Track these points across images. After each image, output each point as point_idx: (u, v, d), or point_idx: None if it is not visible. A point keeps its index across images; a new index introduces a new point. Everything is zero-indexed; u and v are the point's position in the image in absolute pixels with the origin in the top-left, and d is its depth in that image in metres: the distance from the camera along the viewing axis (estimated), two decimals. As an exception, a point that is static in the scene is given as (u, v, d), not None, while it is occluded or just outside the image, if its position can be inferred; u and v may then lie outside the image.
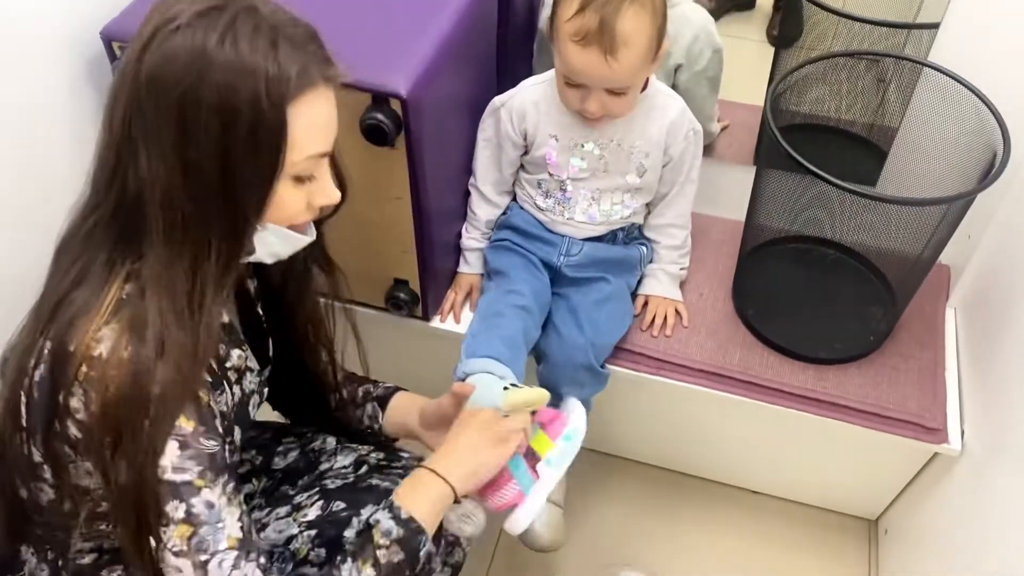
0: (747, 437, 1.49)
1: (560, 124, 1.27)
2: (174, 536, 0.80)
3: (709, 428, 1.50)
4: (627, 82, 1.17)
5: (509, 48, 1.40)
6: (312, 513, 1.05)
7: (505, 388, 1.08)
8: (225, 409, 0.89)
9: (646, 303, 1.38)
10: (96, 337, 0.76)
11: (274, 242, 0.86)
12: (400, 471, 1.12)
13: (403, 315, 1.37)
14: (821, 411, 1.30)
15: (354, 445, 1.16)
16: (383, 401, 1.15)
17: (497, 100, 1.31)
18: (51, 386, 0.78)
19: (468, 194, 1.38)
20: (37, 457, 0.83)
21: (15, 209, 1.15)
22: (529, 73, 1.41)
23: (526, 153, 1.32)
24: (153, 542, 0.80)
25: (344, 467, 1.13)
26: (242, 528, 0.84)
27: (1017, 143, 1.11)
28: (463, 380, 1.17)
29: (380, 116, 1.06)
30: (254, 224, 0.81)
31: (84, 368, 0.76)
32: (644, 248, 1.39)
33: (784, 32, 1.68)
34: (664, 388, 1.34)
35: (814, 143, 1.28)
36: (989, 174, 1.10)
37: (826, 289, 1.42)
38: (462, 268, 1.41)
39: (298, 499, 1.08)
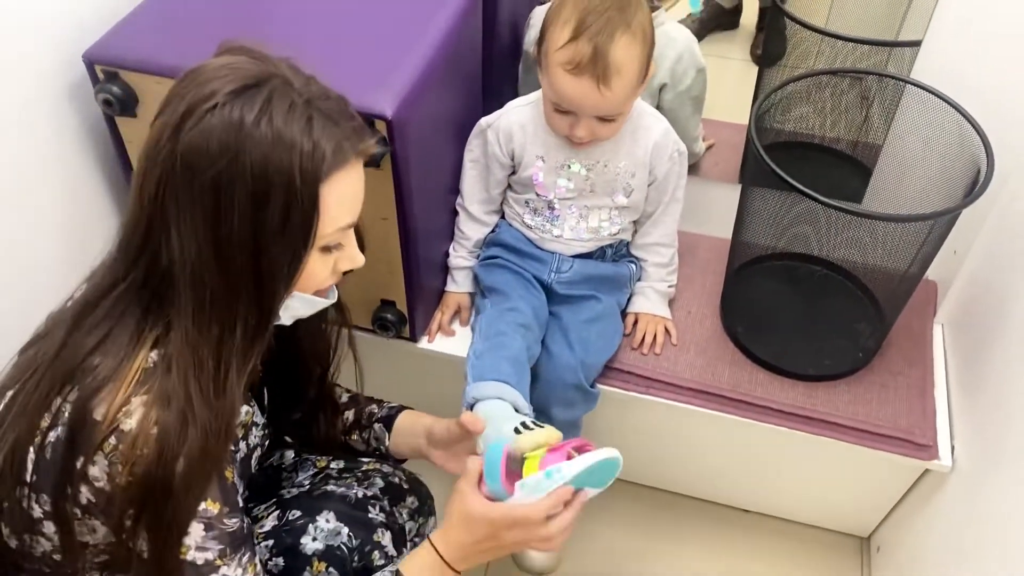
0: (737, 455, 1.48)
1: (546, 145, 1.27)
2: None
3: (699, 447, 1.50)
4: (619, 109, 1.17)
5: (494, 69, 1.40)
6: (268, 524, 1.05)
7: (516, 430, 1.02)
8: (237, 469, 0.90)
9: (635, 321, 1.38)
10: (125, 410, 0.76)
11: (298, 307, 0.88)
12: (358, 475, 1.12)
13: (390, 336, 1.36)
14: (811, 428, 1.30)
15: (313, 457, 1.16)
16: (388, 422, 1.14)
17: (484, 121, 1.31)
18: (68, 450, 0.77)
19: (455, 214, 1.38)
20: (38, 513, 0.82)
21: (-4, 233, 1.14)
22: (515, 94, 1.42)
23: (513, 173, 1.32)
24: None
25: (303, 480, 1.13)
26: None
27: (1000, 158, 1.11)
28: (472, 406, 1.15)
29: (365, 137, 1.06)
30: (283, 297, 0.82)
31: (112, 440, 0.76)
32: (633, 266, 1.39)
33: (768, 51, 1.69)
34: (653, 407, 1.34)
35: (799, 161, 1.29)
36: (973, 190, 1.10)
37: (814, 306, 1.42)
38: (449, 287, 1.40)
39: (255, 512, 1.08)
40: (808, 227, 1.23)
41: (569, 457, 0.94)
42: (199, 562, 0.82)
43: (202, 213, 0.75)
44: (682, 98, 1.45)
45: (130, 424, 0.76)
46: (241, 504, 0.88)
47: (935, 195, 1.22)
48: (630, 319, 1.38)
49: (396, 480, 1.15)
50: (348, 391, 1.19)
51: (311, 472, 1.15)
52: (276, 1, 1.23)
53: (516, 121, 1.28)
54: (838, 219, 1.17)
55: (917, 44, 1.31)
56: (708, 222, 1.52)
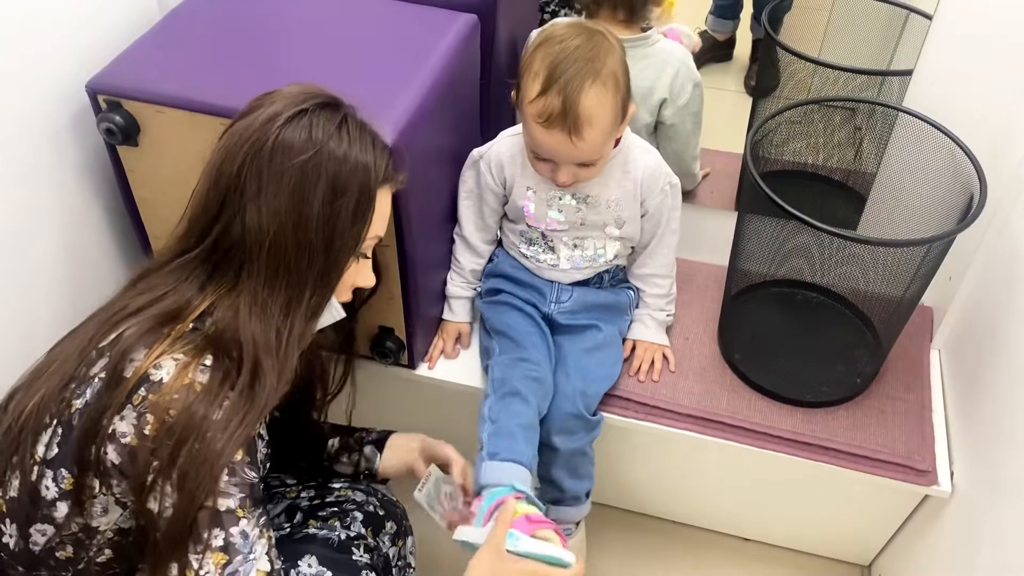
0: (736, 482, 1.48)
1: (536, 178, 1.28)
2: (209, 563, 0.83)
3: (698, 474, 1.49)
4: (595, 156, 1.18)
5: (492, 96, 1.42)
6: None
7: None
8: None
9: (634, 348, 1.38)
10: (156, 363, 0.82)
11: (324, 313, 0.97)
12: (335, 511, 1.13)
13: (389, 363, 1.36)
14: (810, 455, 1.29)
15: (283, 489, 1.17)
16: (379, 444, 1.21)
17: (476, 152, 1.32)
18: (96, 410, 0.82)
19: (453, 241, 1.39)
20: (52, 494, 0.84)
21: (-3, 261, 1.15)
22: (513, 122, 1.43)
23: (507, 202, 1.33)
24: (178, 571, 0.83)
25: (277, 517, 1.13)
26: (270, 561, 0.88)
27: (993, 184, 1.13)
28: (480, 492, 1.14)
29: (366, 165, 1.07)
30: (338, 280, 0.94)
31: (142, 391, 0.81)
32: (632, 292, 1.39)
33: (761, 83, 1.71)
34: (652, 433, 1.34)
35: (793, 189, 1.30)
36: (967, 216, 1.12)
37: (811, 332, 1.43)
38: (447, 316, 1.41)
39: None
40: (804, 254, 1.24)
41: (532, 533, 1.03)
42: (221, 508, 0.84)
43: (288, 193, 0.87)
44: (682, 113, 1.46)
45: (161, 375, 0.82)
46: (261, 477, 0.91)
47: (929, 222, 1.23)
48: (628, 345, 1.38)
49: (372, 509, 1.15)
50: (332, 423, 1.23)
51: (284, 505, 1.14)
52: (278, 31, 1.25)
53: (506, 151, 1.29)
54: (834, 245, 1.18)
55: (909, 73, 1.33)
56: (705, 249, 1.53)
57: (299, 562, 1.02)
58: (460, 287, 1.39)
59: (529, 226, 1.32)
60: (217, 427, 0.82)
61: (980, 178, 1.13)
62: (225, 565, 0.83)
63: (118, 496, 0.85)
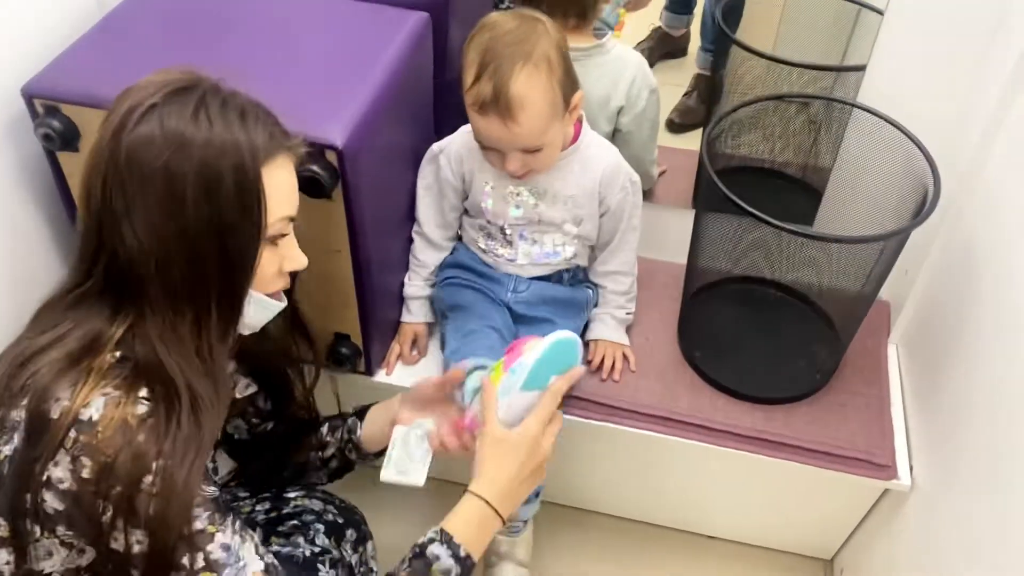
0: (698, 481, 1.47)
1: (494, 173, 1.27)
2: None
3: (660, 473, 1.49)
4: (535, 142, 1.16)
5: (447, 96, 1.39)
6: None
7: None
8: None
9: (594, 348, 1.37)
10: (84, 402, 0.76)
11: (253, 313, 0.89)
12: (295, 525, 1.10)
13: (346, 371, 1.34)
14: (771, 452, 1.29)
15: (236, 504, 1.14)
16: (361, 413, 1.17)
17: (436, 146, 1.31)
18: (28, 459, 0.76)
19: (410, 242, 1.36)
20: None
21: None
22: (467, 121, 1.41)
23: (466, 197, 1.32)
24: None
25: None
26: (262, 558, 0.85)
27: (947, 180, 1.13)
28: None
29: (316, 168, 1.04)
30: (249, 280, 0.84)
31: (73, 434, 0.75)
32: (591, 291, 1.38)
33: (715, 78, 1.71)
34: (613, 434, 1.33)
35: (750, 185, 1.30)
36: (922, 211, 1.12)
37: (770, 329, 1.43)
38: (405, 317, 1.38)
39: None
40: (762, 251, 1.24)
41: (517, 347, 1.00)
42: (194, 531, 0.80)
43: (156, 203, 0.77)
44: (639, 120, 1.46)
45: (91, 413, 0.76)
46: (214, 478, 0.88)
47: (884, 217, 1.24)
48: (590, 345, 1.37)
49: (331, 518, 1.13)
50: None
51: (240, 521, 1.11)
52: (223, 30, 1.21)
53: (466, 145, 1.28)
54: (791, 242, 1.18)
55: (862, 69, 1.33)
56: (663, 248, 1.52)
57: None
58: (418, 287, 1.37)
59: (488, 221, 1.30)
60: (174, 460, 0.77)
61: (934, 173, 1.14)
62: None
63: (62, 539, 0.80)
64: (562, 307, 1.34)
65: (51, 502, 0.76)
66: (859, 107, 1.27)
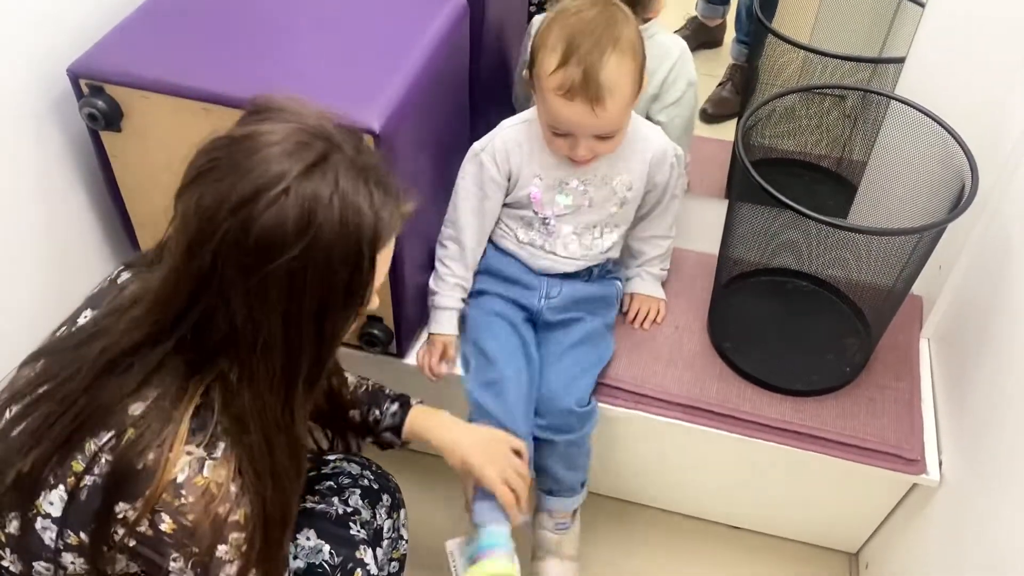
0: (725, 471, 1.47)
1: (544, 164, 1.27)
2: None
3: (687, 463, 1.49)
4: (616, 127, 1.17)
5: (482, 83, 1.40)
6: None
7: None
8: None
9: (632, 301, 1.41)
10: (170, 459, 0.77)
11: None
12: (330, 486, 1.12)
13: (377, 352, 1.35)
14: (799, 443, 1.29)
15: None
16: (405, 404, 1.18)
17: (477, 145, 1.29)
18: (107, 496, 0.78)
19: (439, 230, 1.37)
20: (58, 544, 0.82)
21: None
22: (502, 110, 1.41)
23: (508, 194, 1.31)
24: None
25: None
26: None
27: (985, 173, 1.12)
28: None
29: (353, 151, 1.06)
30: (338, 346, 0.86)
31: (157, 490, 0.77)
32: (619, 283, 1.39)
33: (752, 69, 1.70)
34: (641, 422, 1.33)
35: (784, 177, 1.30)
36: (958, 205, 1.11)
37: (801, 321, 1.43)
38: (434, 328, 1.35)
39: None
40: (795, 243, 1.24)
41: None
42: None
43: (277, 294, 0.76)
44: (671, 113, 1.44)
45: (175, 474, 0.77)
46: None
47: (920, 211, 1.23)
48: (626, 299, 1.41)
49: (366, 483, 1.15)
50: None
51: None
52: (265, 13, 1.23)
53: (512, 139, 1.27)
54: (825, 234, 1.18)
55: (901, 60, 1.32)
56: (695, 238, 1.52)
57: (298, 535, 1.03)
58: (450, 298, 1.33)
59: (535, 212, 1.30)
60: (254, 532, 0.82)
61: (972, 167, 1.13)
62: None
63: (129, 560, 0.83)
64: (593, 304, 1.35)
65: (128, 539, 0.79)
66: (897, 99, 1.26)
